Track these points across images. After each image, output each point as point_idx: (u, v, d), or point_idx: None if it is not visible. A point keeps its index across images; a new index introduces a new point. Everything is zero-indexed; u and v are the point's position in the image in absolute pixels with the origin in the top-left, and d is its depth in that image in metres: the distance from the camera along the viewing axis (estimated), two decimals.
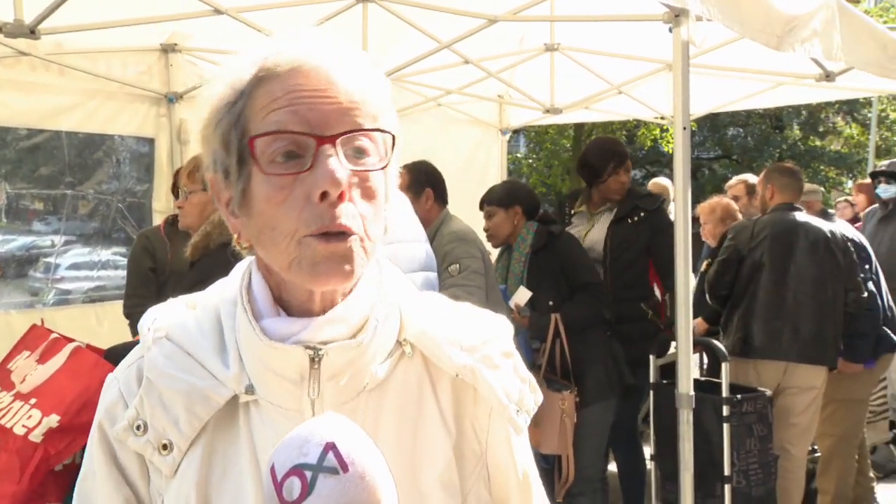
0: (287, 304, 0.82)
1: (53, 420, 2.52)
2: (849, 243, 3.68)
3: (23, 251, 4.78)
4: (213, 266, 2.56)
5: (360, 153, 0.77)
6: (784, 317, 3.54)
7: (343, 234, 0.74)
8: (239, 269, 0.88)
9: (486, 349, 0.86)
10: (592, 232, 3.75)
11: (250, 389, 0.80)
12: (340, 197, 0.74)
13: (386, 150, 0.79)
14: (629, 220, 3.65)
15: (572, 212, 3.80)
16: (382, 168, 0.78)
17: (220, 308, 0.85)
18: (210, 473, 0.81)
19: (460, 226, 3.16)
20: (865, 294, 3.63)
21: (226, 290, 0.87)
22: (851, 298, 3.62)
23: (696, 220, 4.22)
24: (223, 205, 0.82)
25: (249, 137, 0.75)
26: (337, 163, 0.73)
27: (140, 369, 0.84)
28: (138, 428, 0.81)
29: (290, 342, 0.78)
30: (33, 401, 2.60)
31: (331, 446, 0.68)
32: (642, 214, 3.65)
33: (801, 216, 3.71)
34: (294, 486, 0.67)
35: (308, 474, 0.67)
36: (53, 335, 2.87)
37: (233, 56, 0.80)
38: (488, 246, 3.46)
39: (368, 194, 0.77)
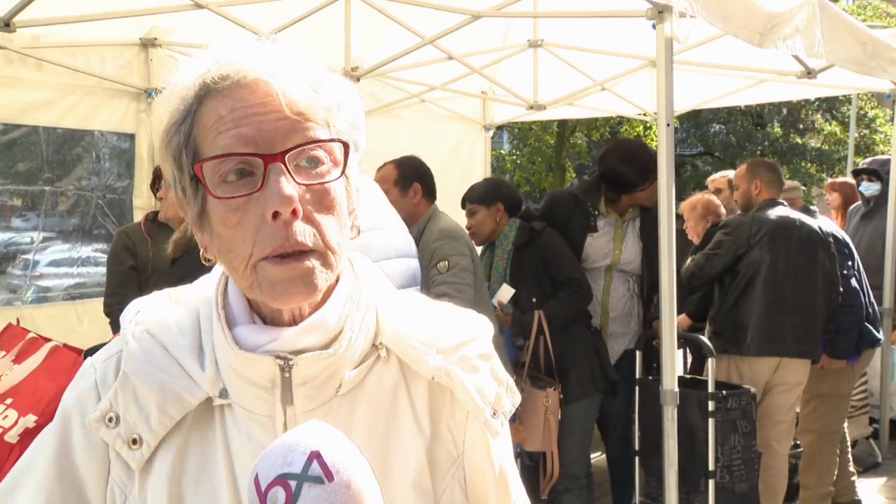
0: (261, 311, 0.81)
1: (30, 420, 2.49)
2: (830, 238, 3.71)
3: (1, 248, 4.71)
4: (195, 262, 2.54)
5: (313, 163, 0.75)
6: (784, 313, 3.56)
7: (300, 252, 0.73)
8: (219, 268, 0.87)
9: (463, 351, 0.85)
10: (627, 248, 3.56)
11: (224, 393, 0.80)
12: (294, 214, 0.72)
13: (343, 157, 0.77)
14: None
15: (596, 212, 3.56)
16: (337, 179, 0.76)
17: (200, 307, 0.84)
18: (184, 473, 0.80)
19: (448, 223, 3.12)
20: (842, 289, 3.68)
21: (207, 288, 0.86)
22: (833, 293, 3.65)
23: (679, 217, 4.22)
24: (190, 220, 0.81)
25: (197, 163, 0.73)
26: (286, 181, 0.72)
27: (119, 361, 0.83)
28: (110, 420, 0.80)
29: (262, 351, 0.78)
30: (9, 401, 2.56)
31: (315, 455, 0.67)
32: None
33: (793, 213, 3.74)
34: (278, 496, 0.66)
35: (293, 484, 0.66)
36: (31, 335, 2.83)
37: (178, 69, 0.79)
38: None
39: (326, 205, 0.75)
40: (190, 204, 0.77)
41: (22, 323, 3.83)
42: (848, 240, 3.97)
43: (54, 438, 0.83)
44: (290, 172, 0.72)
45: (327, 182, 0.75)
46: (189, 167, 0.75)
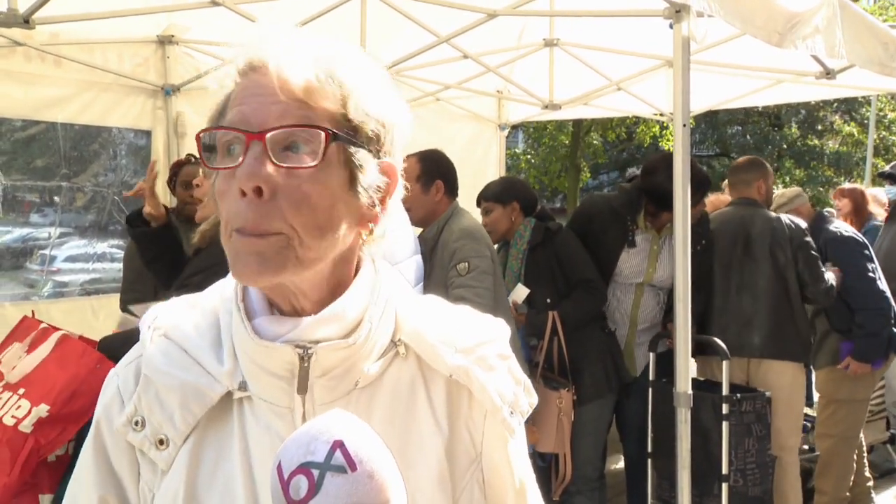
0: (279, 303, 0.82)
1: (43, 409, 2.51)
2: (801, 234, 3.54)
3: (19, 243, 4.76)
4: (217, 256, 2.54)
5: (297, 148, 0.74)
6: (732, 312, 3.49)
7: (260, 234, 0.74)
8: None
9: (481, 350, 0.86)
10: (662, 266, 3.48)
11: (243, 386, 0.81)
12: (258, 193, 0.72)
13: (323, 144, 0.75)
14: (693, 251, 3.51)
15: (635, 227, 3.46)
16: (312, 166, 0.74)
17: (219, 306, 0.86)
18: (199, 469, 0.81)
19: (469, 222, 3.05)
20: (826, 285, 3.52)
21: (226, 288, 0.87)
22: (810, 291, 3.53)
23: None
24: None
25: (197, 134, 0.77)
26: (254, 159, 0.72)
27: (138, 367, 0.84)
28: (136, 423, 0.82)
29: (281, 341, 0.78)
30: (22, 391, 2.59)
31: (339, 444, 0.67)
32: (698, 248, 3.44)
33: (747, 210, 3.62)
34: (301, 485, 0.66)
35: (315, 473, 0.66)
36: (42, 325, 2.85)
37: (225, 53, 0.81)
38: None
39: (303, 191, 0.74)
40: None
41: (38, 317, 3.87)
42: (866, 242, 3.91)
43: (91, 450, 0.86)
44: (268, 152, 0.73)
45: (300, 167, 0.74)
46: None
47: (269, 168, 0.73)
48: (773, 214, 3.67)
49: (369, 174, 0.79)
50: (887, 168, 5.18)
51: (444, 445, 0.84)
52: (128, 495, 0.84)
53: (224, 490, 0.80)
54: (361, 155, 0.77)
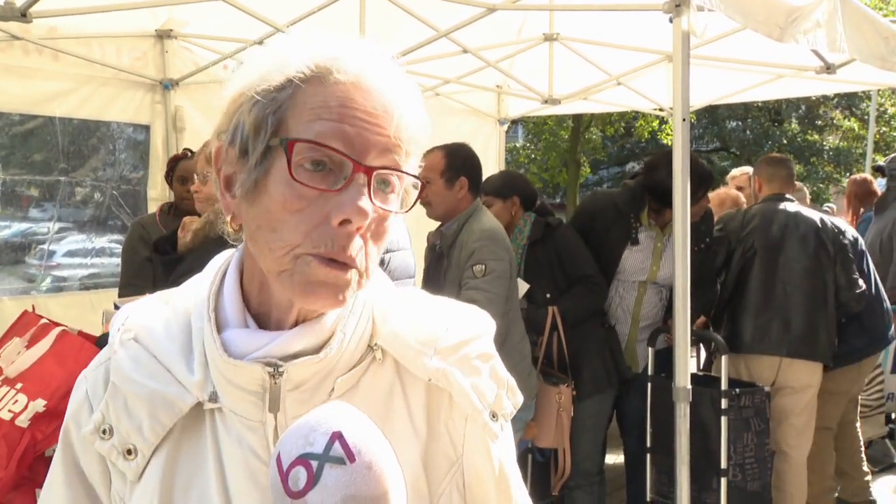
0: (263, 307, 0.80)
1: (40, 404, 2.50)
2: (841, 236, 3.58)
3: (18, 237, 4.75)
4: (210, 256, 2.52)
5: (386, 187, 0.75)
6: (774, 310, 3.47)
7: (346, 265, 0.73)
8: (214, 266, 0.86)
9: (463, 351, 0.83)
10: (666, 263, 3.45)
11: (214, 397, 0.78)
12: (357, 229, 0.72)
13: (409, 194, 0.79)
14: (695, 249, 3.38)
15: (638, 224, 3.44)
16: (399, 213, 0.77)
17: (191, 308, 0.83)
18: (174, 481, 0.79)
19: (490, 222, 3.02)
20: (859, 290, 3.57)
21: (200, 288, 0.84)
22: (844, 295, 3.55)
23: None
24: (222, 178, 0.78)
25: (289, 140, 0.71)
26: (366, 195, 0.72)
27: (108, 371, 0.82)
28: (104, 432, 0.80)
29: (251, 358, 0.76)
30: (19, 385, 2.58)
31: (337, 436, 0.66)
32: (702, 245, 3.45)
33: (792, 206, 3.65)
34: (300, 476, 0.65)
35: (314, 464, 0.65)
36: (42, 320, 2.85)
37: (287, 37, 0.77)
38: None
39: (380, 233, 0.76)
40: (245, 168, 0.74)
41: (37, 312, 3.87)
42: (859, 238, 3.90)
43: (61, 454, 0.84)
44: (370, 188, 0.72)
45: (393, 212, 0.76)
46: (269, 136, 0.73)
47: (372, 206, 0.73)
48: (818, 213, 3.67)
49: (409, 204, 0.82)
50: (881, 162, 5.19)
51: (421, 452, 0.82)
52: (102, 501, 0.83)
53: (200, 503, 0.78)
54: (415, 202, 0.81)
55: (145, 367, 0.79)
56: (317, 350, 0.77)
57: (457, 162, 3.03)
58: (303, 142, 0.71)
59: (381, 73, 0.75)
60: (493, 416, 0.84)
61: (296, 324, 0.78)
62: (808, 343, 3.48)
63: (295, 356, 0.76)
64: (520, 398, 0.88)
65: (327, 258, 0.72)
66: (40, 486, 2.67)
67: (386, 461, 0.68)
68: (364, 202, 0.71)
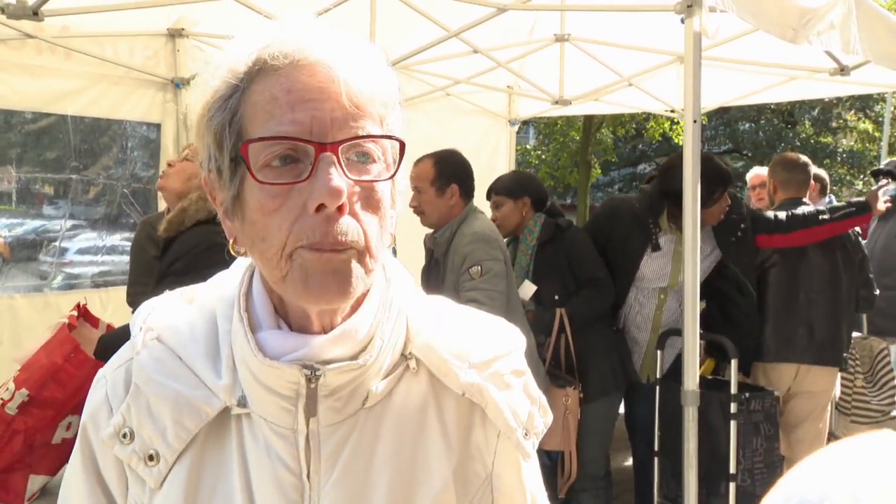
0: (288, 315, 0.77)
1: (24, 394, 2.60)
2: (857, 238, 3.58)
3: (32, 234, 4.79)
4: (191, 239, 2.42)
5: (364, 158, 0.71)
6: (798, 317, 3.44)
7: (339, 249, 0.69)
8: (241, 266, 0.83)
9: (496, 366, 0.81)
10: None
11: (242, 402, 0.75)
12: (339, 210, 0.68)
13: (394, 156, 0.73)
14: (733, 239, 3.38)
15: (658, 230, 3.37)
16: (388, 179, 0.73)
17: (216, 308, 0.80)
18: (198, 490, 0.76)
19: (482, 225, 3.01)
20: (876, 293, 3.56)
21: (225, 287, 0.81)
22: (863, 297, 3.54)
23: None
24: (218, 206, 0.76)
25: (243, 142, 0.69)
26: (337, 173, 0.67)
27: (129, 372, 0.79)
28: (125, 436, 0.76)
29: (288, 359, 0.73)
30: (16, 373, 2.68)
31: None
32: (739, 234, 3.38)
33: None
34: None
35: None
36: (70, 313, 2.92)
37: (229, 42, 0.73)
38: None
39: (372, 205, 0.71)
40: (224, 187, 0.72)
41: (48, 309, 3.90)
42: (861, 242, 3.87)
43: (80, 456, 0.81)
44: (340, 164, 0.68)
45: (378, 181, 0.71)
46: (231, 147, 0.70)
47: (348, 182, 0.68)
48: None
49: (402, 182, 0.78)
50: (885, 163, 5.14)
51: (454, 466, 0.79)
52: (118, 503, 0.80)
53: None
54: (400, 162, 0.76)
55: (170, 368, 0.76)
56: (353, 357, 0.74)
57: (446, 169, 3.03)
58: (255, 141, 0.68)
59: (318, 44, 0.70)
60: (526, 435, 0.82)
61: (323, 329, 0.75)
62: (831, 349, 3.46)
63: (330, 362, 0.73)
64: (550, 417, 0.86)
65: (314, 246, 0.68)
66: (37, 472, 2.77)
67: None
68: (336, 181, 0.67)
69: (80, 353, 2.63)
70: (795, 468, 0.53)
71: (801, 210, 3.46)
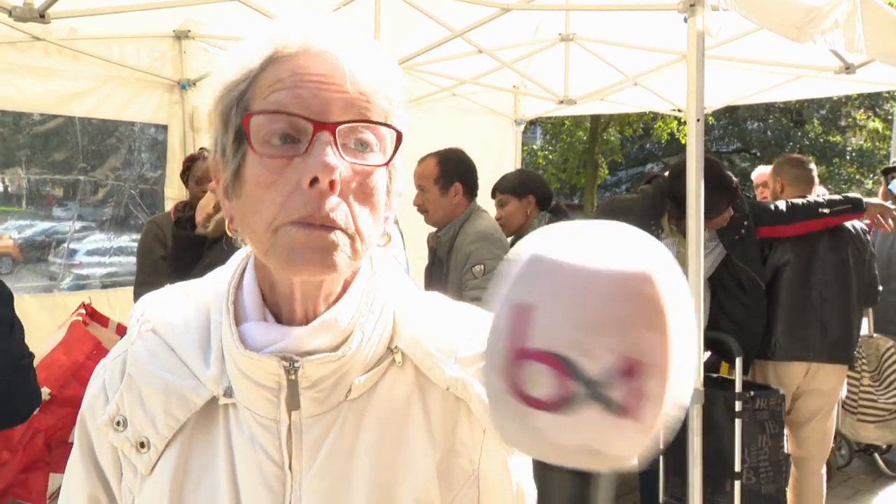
0: (276, 306, 0.78)
1: (45, 393, 2.59)
2: (864, 234, 3.58)
3: (41, 236, 4.83)
4: (234, 247, 2.55)
5: (362, 147, 0.72)
6: (811, 316, 3.43)
7: (326, 225, 0.70)
8: (235, 260, 0.85)
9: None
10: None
11: (229, 392, 0.77)
12: (331, 186, 0.68)
13: (392, 145, 0.75)
14: (735, 238, 3.38)
15: (660, 231, 3.34)
16: (384, 165, 0.74)
17: (211, 301, 0.82)
18: (185, 476, 0.78)
19: (485, 224, 3.02)
20: (880, 288, 3.56)
21: (220, 281, 0.83)
22: (871, 295, 3.54)
23: None
24: (220, 188, 0.78)
25: (245, 115, 0.71)
26: (332, 151, 0.69)
27: (125, 362, 0.81)
28: (118, 424, 0.79)
29: (268, 351, 0.74)
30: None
31: (632, 367, 0.44)
32: (742, 232, 3.37)
33: None
34: (541, 381, 0.47)
35: (576, 390, 0.45)
36: (78, 310, 2.94)
37: (242, 39, 0.77)
38: None
39: (365, 192, 0.72)
40: (227, 165, 0.74)
41: (56, 310, 3.93)
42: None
43: (78, 444, 0.83)
44: (337, 146, 0.69)
45: (371, 166, 0.72)
46: (236, 123, 0.73)
47: (343, 163, 0.70)
48: None
49: (399, 179, 0.79)
50: (891, 163, 5.11)
51: (437, 461, 0.79)
52: (114, 492, 0.82)
53: (208, 501, 0.77)
54: (399, 160, 0.77)
55: (162, 359, 0.78)
56: (334, 349, 0.75)
57: (450, 168, 3.05)
58: (257, 113, 0.70)
59: (326, 36, 0.73)
60: None
61: (307, 319, 0.76)
62: (843, 347, 3.46)
63: (311, 353, 0.74)
64: None
65: (304, 223, 0.69)
66: (57, 471, 2.76)
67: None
68: (330, 157, 0.68)
69: (103, 351, 2.65)
70: None
71: (800, 201, 3.49)
